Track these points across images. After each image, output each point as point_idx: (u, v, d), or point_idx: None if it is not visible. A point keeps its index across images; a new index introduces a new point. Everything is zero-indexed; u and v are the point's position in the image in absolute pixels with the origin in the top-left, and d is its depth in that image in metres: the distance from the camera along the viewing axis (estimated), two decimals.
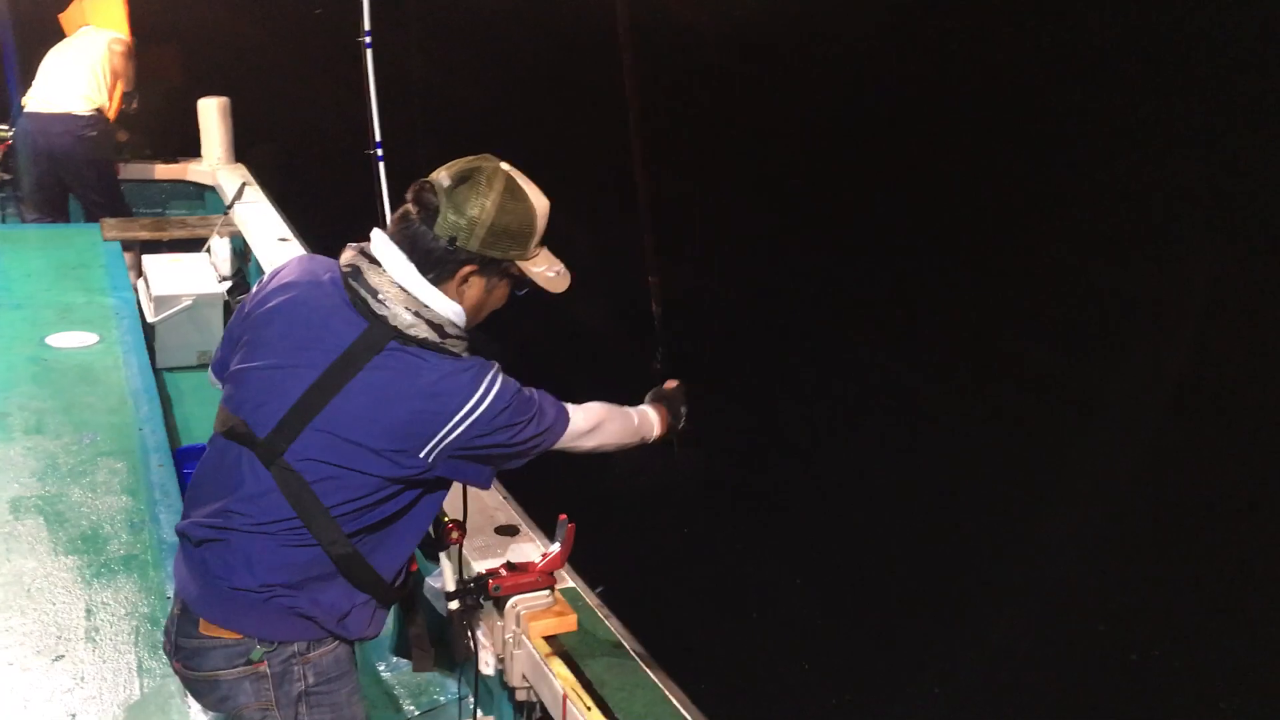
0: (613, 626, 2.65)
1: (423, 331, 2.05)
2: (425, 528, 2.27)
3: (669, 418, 2.61)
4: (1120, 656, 4.93)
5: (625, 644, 2.59)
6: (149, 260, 6.16)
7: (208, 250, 6.37)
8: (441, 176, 2.10)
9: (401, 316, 2.05)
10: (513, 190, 2.10)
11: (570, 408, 2.29)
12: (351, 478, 2.07)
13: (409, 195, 2.12)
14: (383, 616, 2.30)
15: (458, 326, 2.11)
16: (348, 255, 2.13)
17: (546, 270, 2.19)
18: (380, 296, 2.06)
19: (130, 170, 7.08)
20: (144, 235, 6.41)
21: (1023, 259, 9.98)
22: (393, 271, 2.08)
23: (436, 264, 2.08)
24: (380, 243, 2.12)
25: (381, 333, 2.06)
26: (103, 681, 2.70)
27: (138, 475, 3.71)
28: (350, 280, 2.09)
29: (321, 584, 2.15)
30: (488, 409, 2.05)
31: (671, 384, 2.74)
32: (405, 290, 2.07)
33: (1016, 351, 8.14)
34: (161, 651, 2.74)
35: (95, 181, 6.70)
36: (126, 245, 6.24)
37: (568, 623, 2.59)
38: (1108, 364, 8.13)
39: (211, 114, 7.22)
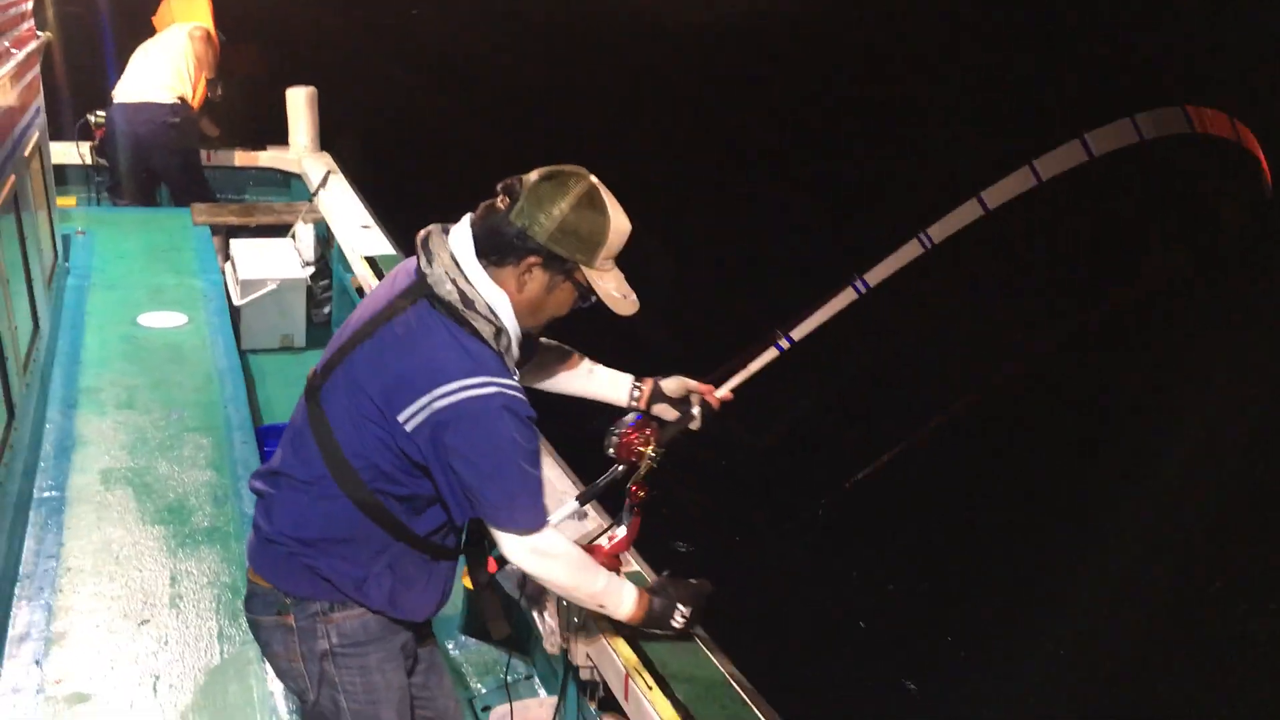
0: None
1: (450, 294, 2.12)
2: (447, 528, 2.31)
3: (648, 612, 2.42)
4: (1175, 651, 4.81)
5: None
6: (236, 245, 6.34)
7: (292, 236, 6.53)
8: (532, 174, 2.17)
9: (440, 276, 2.14)
10: (592, 199, 2.15)
11: (548, 531, 2.21)
12: (363, 427, 2.16)
13: (499, 186, 2.19)
14: (421, 600, 2.36)
15: (491, 310, 2.14)
16: (432, 226, 2.24)
17: (613, 288, 2.20)
18: (432, 259, 2.16)
19: (218, 157, 7.28)
20: (232, 220, 6.59)
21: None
22: (453, 242, 2.18)
23: (503, 248, 2.14)
24: (460, 223, 2.21)
25: (421, 289, 2.16)
26: (185, 646, 2.81)
27: (222, 451, 3.84)
28: (419, 246, 2.20)
29: (339, 547, 2.25)
30: (465, 403, 2.06)
31: (696, 582, 2.54)
32: (455, 259, 2.15)
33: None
34: (241, 620, 2.86)
35: (179, 168, 6.92)
36: (215, 230, 6.42)
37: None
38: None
39: (299, 103, 7.38)
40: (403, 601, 2.33)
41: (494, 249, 2.15)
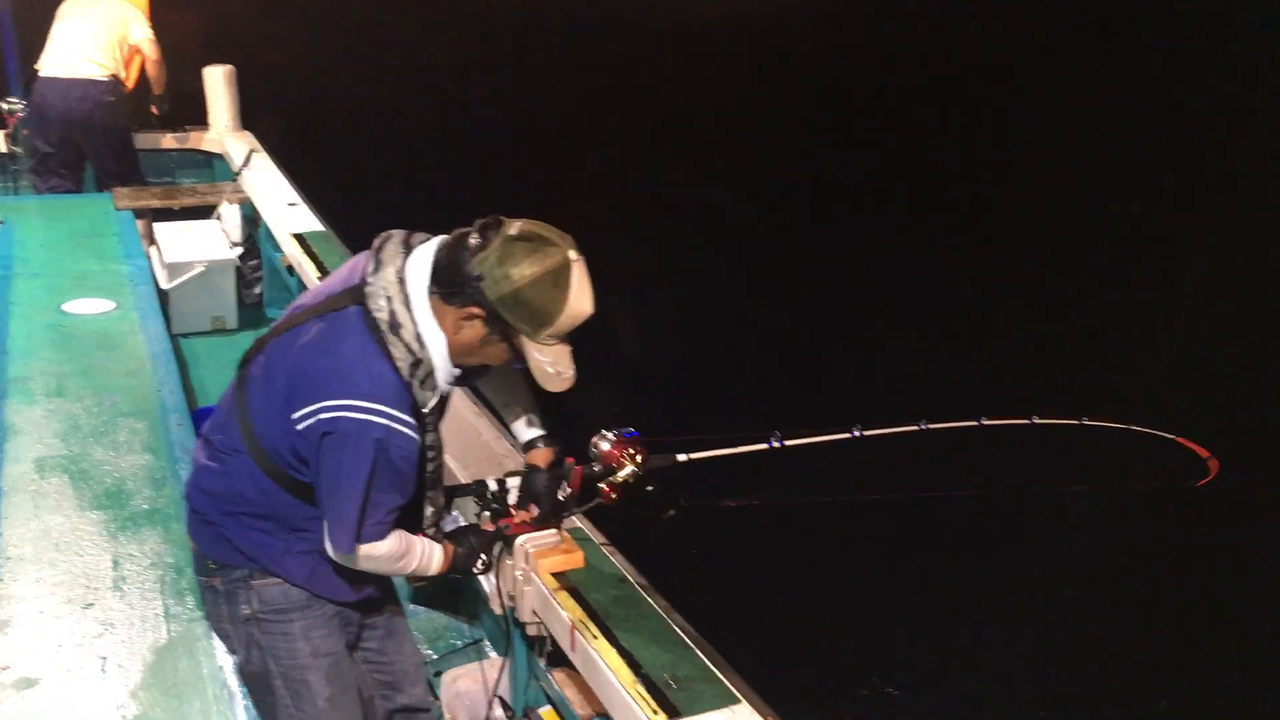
0: (617, 562, 2.75)
1: (379, 311, 2.14)
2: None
3: (452, 563, 2.51)
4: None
5: (630, 578, 2.69)
6: (161, 228, 6.25)
7: (218, 217, 6.46)
8: (515, 226, 2.15)
9: (378, 290, 2.15)
10: (558, 277, 2.11)
11: (376, 546, 2.26)
12: (267, 404, 2.22)
13: (478, 222, 2.17)
14: (347, 583, 2.42)
15: (420, 340, 2.15)
16: (395, 232, 2.26)
17: (547, 363, 2.18)
18: (380, 272, 2.17)
19: (140, 140, 7.15)
20: (155, 203, 6.49)
21: None
22: (411, 263, 2.18)
23: (452, 285, 2.14)
24: (429, 242, 2.22)
25: (358, 295, 2.18)
26: (131, 627, 2.81)
27: (158, 434, 3.81)
28: (373, 250, 2.22)
29: (257, 521, 2.32)
30: (344, 420, 2.10)
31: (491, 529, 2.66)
32: (402, 280, 2.16)
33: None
34: (188, 598, 2.88)
35: (112, 149, 6.79)
36: (138, 214, 6.32)
37: (574, 559, 2.69)
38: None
39: (217, 82, 7.27)
40: (325, 581, 2.39)
41: (447, 283, 2.15)
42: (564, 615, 2.55)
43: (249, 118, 7.43)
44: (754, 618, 4.04)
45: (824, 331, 8.08)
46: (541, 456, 2.65)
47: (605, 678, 2.37)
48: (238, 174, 6.58)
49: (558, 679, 2.87)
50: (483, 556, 2.55)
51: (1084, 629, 4.82)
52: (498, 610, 2.88)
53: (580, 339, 2.21)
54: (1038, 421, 3.21)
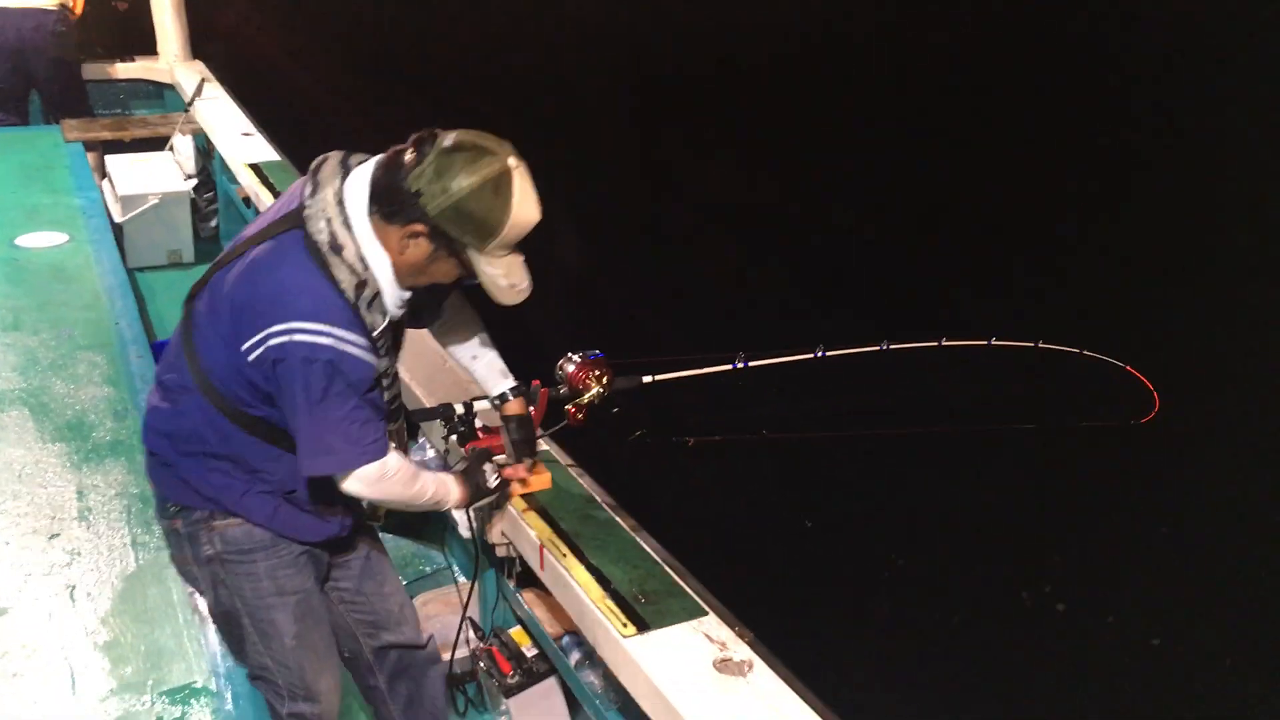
0: (585, 484, 2.77)
1: (319, 233, 2.07)
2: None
3: (471, 492, 2.48)
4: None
5: (597, 498, 2.71)
6: (113, 161, 6.13)
7: (170, 149, 6.34)
8: (450, 136, 2.07)
9: (316, 212, 2.08)
10: (499, 184, 2.04)
11: (372, 465, 2.18)
12: (213, 339, 2.16)
13: (412, 137, 2.09)
14: (312, 522, 2.37)
15: (362, 260, 2.08)
16: (332, 154, 2.17)
17: (499, 276, 2.12)
18: (318, 194, 2.10)
19: (88, 70, 6.98)
20: (106, 135, 6.37)
21: None
22: (349, 185, 2.11)
23: (392, 204, 2.06)
24: (367, 162, 2.14)
25: (296, 218, 2.11)
26: (99, 555, 2.81)
27: (117, 367, 3.78)
28: (310, 172, 2.15)
29: (214, 461, 2.26)
30: (293, 345, 2.04)
31: (515, 409, 2.62)
32: (341, 201, 2.09)
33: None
34: (155, 526, 2.87)
35: (62, 78, 6.63)
36: (89, 146, 6.20)
37: (542, 481, 2.71)
38: None
39: (166, 9, 7.10)
40: (289, 520, 2.34)
41: (386, 202, 2.07)
42: (533, 535, 2.57)
43: (198, 46, 7.28)
44: (719, 533, 4.10)
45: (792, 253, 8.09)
46: (516, 408, 2.61)
47: (575, 595, 2.40)
48: (190, 104, 6.45)
49: (527, 599, 2.91)
50: (488, 475, 2.52)
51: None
52: (466, 534, 2.91)
53: (542, 260, 2.18)
54: (995, 343, 3.25)
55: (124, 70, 7.26)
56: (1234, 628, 4.45)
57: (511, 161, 2.06)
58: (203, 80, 6.62)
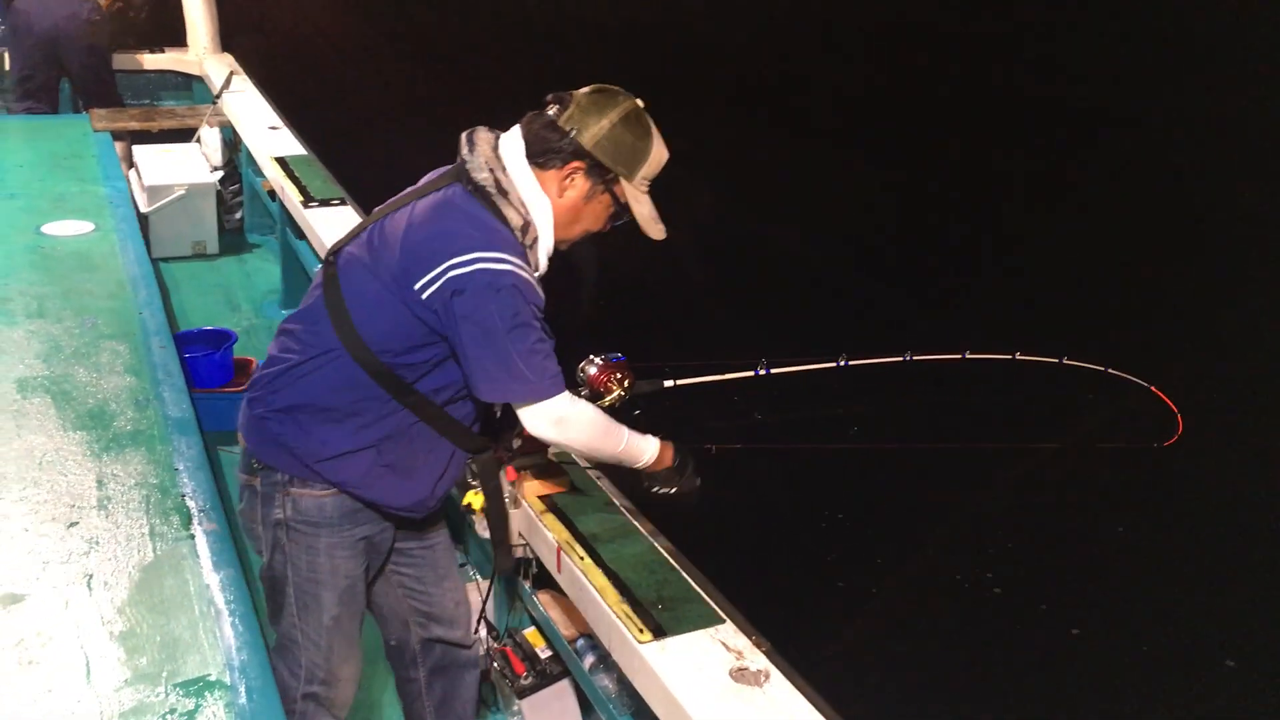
0: (604, 486, 2.76)
1: (485, 180, 2.20)
2: (456, 392, 2.32)
3: (671, 465, 2.47)
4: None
5: (616, 501, 2.70)
6: (140, 151, 6.17)
7: (198, 140, 6.38)
8: (583, 89, 2.27)
9: (479, 164, 2.22)
10: (639, 118, 2.26)
11: (562, 398, 2.23)
12: (370, 286, 2.23)
13: (548, 97, 2.28)
14: (404, 487, 2.39)
15: (524, 204, 2.22)
16: (477, 126, 2.32)
17: (647, 211, 2.30)
18: (476, 150, 2.24)
19: (118, 60, 7.04)
20: (134, 126, 6.40)
21: None
22: (504, 141, 2.27)
23: (548, 151, 2.24)
24: (513, 128, 2.30)
25: (456, 174, 2.26)
26: (117, 545, 2.81)
27: (140, 356, 3.79)
28: (463, 139, 2.28)
29: (318, 418, 2.30)
30: (478, 274, 2.12)
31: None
32: (499, 155, 2.25)
33: None
34: (173, 517, 2.88)
35: (95, 67, 6.70)
36: (117, 136, 6.24)
37: (561, 483, 2.71)
38: None
39: (196, 2, 7.14)
40: (379, 485, 2.37)
41: (541, 152, 2.24)
42: (550, 537, 2.56)
43: (228, 39, 7.31)
44: (738, 541, 4.09)
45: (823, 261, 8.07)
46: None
47: (591, 598, 2.39)
48: (218, 96, 6.48)
49: (542, 601, 2.90)
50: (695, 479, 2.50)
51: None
52: (483, 534, 2.90)
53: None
54: (1020, 358, 3.24)
55: (154, 61, 7.31)
56: (1258, 651, 4.41)
57: (640, 102, 2.29)
58: (231, 73, 6.66)
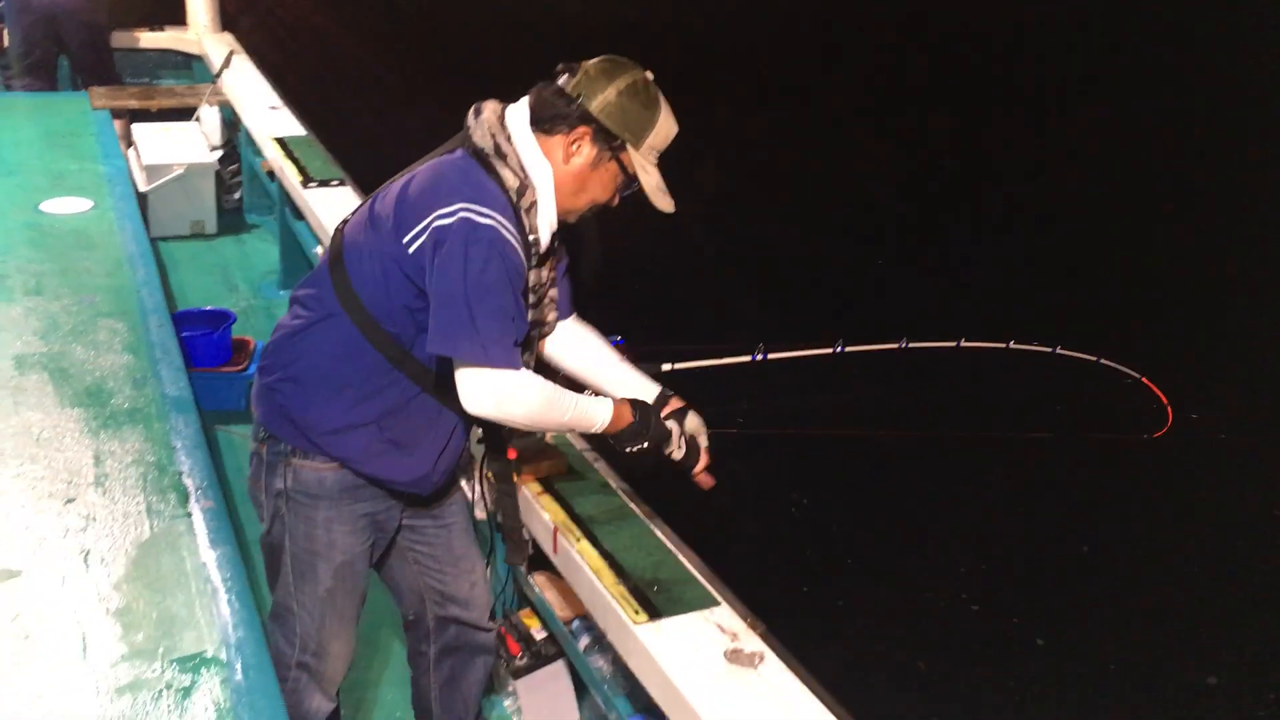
0: (600, 468, 2.77)
1: (485, 142, 2.21)
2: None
3: (630, 419, 2.38)
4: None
5: (613, 483, 2.71)
6: (139, 129, 6.16)
7: (197, 119, 6.36)
8: (593, 60, 2.28)
9: (479, 129, 2.23)
10: (648, 88, 2.27)
11: (508, 373, 2.15)
12: (368, 251, 2.25)
13: (558, 67, 2.29)
14: (405, 463, 2.39)
15: (523, 168, 2.22)
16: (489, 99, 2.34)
17: (655, 181, 2.29)
18: (479, 117, 2.26)
19: (117, 38, 7.01)
20: (133, 104, 6.38)
21: None
22: (511, 110, 2.28)
23: (556, 116, 2.24)
24: (519, 100, 2.31)
25: (461, 140, 2.27)
26: (114, 522, 2.81)
27: (138, 335, 3.78)
28: (474, 108, 2.30)
29: (321, 387, 2.32)
30: (459, 224, 2.12)
31: (676, 404, 2.52)
32: (503, 121, 2.25)
33: None
34: (170, 495, 2.89)
35: (93, 44, 6.67)
36: (116, 114, 6.21)
37: (558, 465, 2.71)
38: None
39: None
40: (381, 461, 2.38)
41: (547, 117, 2.24)
42: (546, 518, 2.57)
43: (228, 18, 7.29)
44: (735, 524, 4.10)
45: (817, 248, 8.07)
46: (679, 403, 2.55)
47: (587, 580, 2.40)
48: (217, 76, 6.46)
49: (538, 582, 2.91)
50: (675, 430, 2.44)
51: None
52: (479, 515, 2.90)
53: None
54: (1014, 346, 3.25)
55: (153, 40, 7.29)
56: (1248, 643, 4.43)
57: (649, 73, 2.29)
58: (231, 52, 6.64)
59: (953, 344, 3.17)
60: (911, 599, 4.31)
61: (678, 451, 2.44)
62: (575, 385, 2.49)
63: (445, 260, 2.12)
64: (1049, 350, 3.28)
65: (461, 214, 2.12)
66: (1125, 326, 6.49)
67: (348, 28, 11.99)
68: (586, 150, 2.25)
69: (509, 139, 2.24)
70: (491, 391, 2.15)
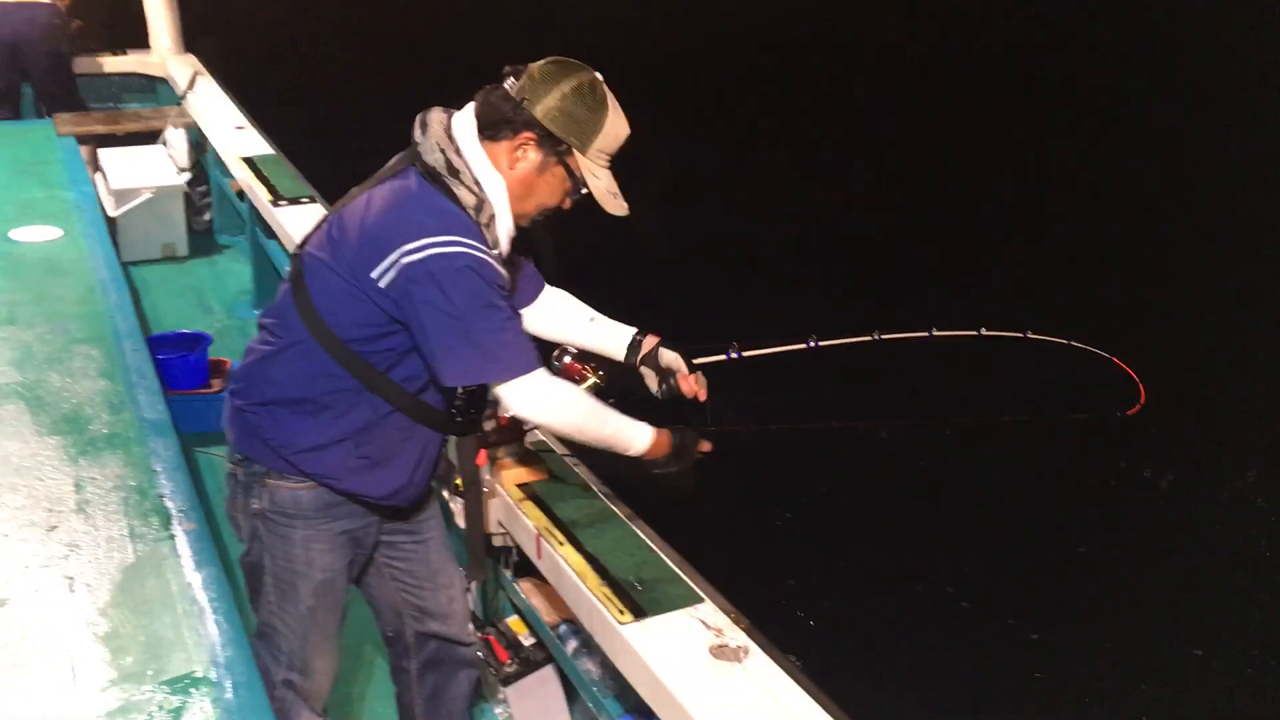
0: (581, 473, 2.79)
1: (436, 161, 2.18)
2: (425, 382, 2.33)
3: (673, 445, 2.45)
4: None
5: (594, 487, 2.74)
6: (105, 154, 6.14)
7: (163, 142, 6.35)
8: (541, 61, 2.24)
9: (430, 145, 2.20)
10: (594, 87, 2.22)
11: (540, 373, 2.22)
12: (331, 278, 2.23)
13: (505, 69, 2.26)
14: (381, 477, 2.40)
15: (477, 183, 2.20)
16: (432, 107, 2.31)
17: (604, 185, 2.26)
18: (428, 132, 2.23)
19: (80, 63, 6.98)
20: (99, 129, 6.36)
21: None
22: (456, 119, 2.25)
23: (499, 122, 2.21)
24: (464, 108, 2.29)
25: (410, 158, 2.25)
26: (97, 548, 2.81)
27: (113, 360, 3.78)
28: (416, 122, 2.27)
29: (293, 411, 2.32)
30: (430, 259, 2.11)
31: (651, 341, 2.66)
32: (450, 134, 2.22)
33: None
34: (153, 519, 2.89)
35: (55, 72, 6.65)
36: (81, 140, 6.18)
37: (538, 471, 2.73)
38: None
39: (157, 2, 7.10)
40: (356, 477, 2.39)
41: (492, 124, 2.22)
42: (529, 525, 2.59)
43: (190, 39, 7.27)
44: (716, 521, 4.14)
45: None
46: (654, 339, 2.67)
47: (572, 583, 2.42)
48: (182, 98, 6.45)
49: (524, 589, 2.93)
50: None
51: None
52: (462, 524, 2.92)
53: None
54: (985, 333, 3.28)
55: (116, 64, 7.26)
56: (1228, 624, 4.49)
57: (598, 75, 2.25)
58: (195, 74, 6.63)
59: (924, 334, 3.20)
60: (893, 590, 4.35)
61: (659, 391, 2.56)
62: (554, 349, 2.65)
63: (427, 300, 2.12)
64: (1019, 336, 3.31)
65: (429, 250, 2.11)
66: (1099, 311, 6.55)
67: (310, 42, 11.98)
68: (532, 156, 2.23)
69: (458, 152, 2.22)
70: (535, 394, 2.21)
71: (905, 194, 9.57)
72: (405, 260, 2.13)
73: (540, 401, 2.23)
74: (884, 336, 3.12)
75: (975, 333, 3.25)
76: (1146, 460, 5.05)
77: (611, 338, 2.68)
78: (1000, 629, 4.26)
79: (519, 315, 2.29)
